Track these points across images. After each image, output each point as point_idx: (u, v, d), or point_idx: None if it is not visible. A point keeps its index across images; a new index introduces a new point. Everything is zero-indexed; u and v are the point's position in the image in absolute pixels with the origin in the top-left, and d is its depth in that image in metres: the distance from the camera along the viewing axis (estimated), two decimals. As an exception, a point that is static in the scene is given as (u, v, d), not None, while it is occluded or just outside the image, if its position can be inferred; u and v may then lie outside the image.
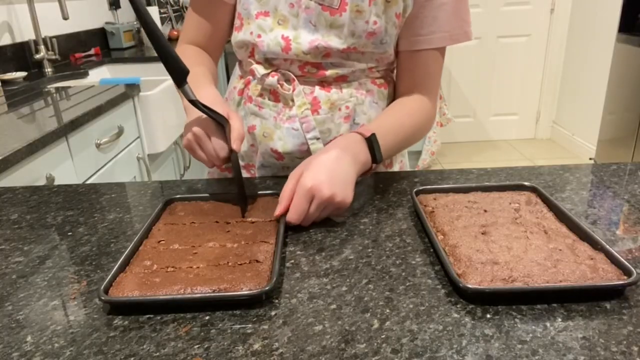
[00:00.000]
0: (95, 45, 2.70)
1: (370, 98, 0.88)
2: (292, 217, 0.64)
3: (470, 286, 0.49)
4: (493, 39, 3.61)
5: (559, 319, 0.46)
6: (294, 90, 0.84)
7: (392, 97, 0.93)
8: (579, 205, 0.70)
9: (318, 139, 0.85)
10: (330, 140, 0.85)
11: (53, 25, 2.32)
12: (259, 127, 0.87)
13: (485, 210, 0.65)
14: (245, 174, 0.95)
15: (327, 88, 0.85)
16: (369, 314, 0.48)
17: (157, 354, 0.44)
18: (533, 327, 0.46)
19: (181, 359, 0.43)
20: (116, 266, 0.54)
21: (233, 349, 0.44)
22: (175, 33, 3.26)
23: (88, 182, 1.46)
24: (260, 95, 0.87)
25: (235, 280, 0.52)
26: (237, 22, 0.87)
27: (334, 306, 0.50)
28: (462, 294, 0.50)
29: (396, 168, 0.98)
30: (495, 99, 3.84)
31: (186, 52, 0.90)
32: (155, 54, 0.76)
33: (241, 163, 0.95)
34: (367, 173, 0.77)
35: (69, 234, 0.67)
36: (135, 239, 0.60)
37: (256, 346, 0.45)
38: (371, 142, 0.74)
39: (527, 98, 3.86)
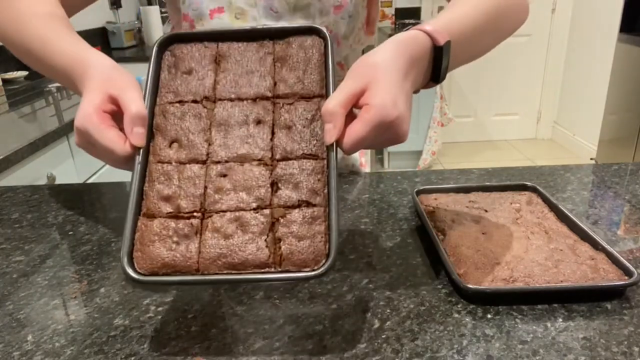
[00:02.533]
0: (96, 45, 2.70)
1: None
2: (350, 145, 0.44)
3: (470, 286, 0.49)
4: (494, 39, 3.61)
5: (560, 319, 0.46)
6: None
7: None
8: (580, 205, 0.70)
9: None
10: None
11: (54, 25, 2.32)
12: None
13: (486, 210, 0.65)
14: None
15: None
16: (369, 314, 0.48)
17: (158, 353, 0.44)
18: (534, 327, 0.46)
19: (182, 358, 0.43)
20: (129, 216, 0.44)
21: (234, 349, 0.44)
22: (176, 32, 3.26)
23: (89, 181, 1.46)
24: None
25: (286, 247, 0.42)
26: (184, 25, 0.79)
27: (334, 306, 0.50)
28: (462, 295, 0.50)
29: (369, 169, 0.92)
30: (496, 99, 3.84)
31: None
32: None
33: None
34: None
35: (70, 233, 0.68)
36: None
37: (257, 345, 0.45)
38: (441, 53, 0.51)
39: (528, 98, 3.86)
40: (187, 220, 0.44)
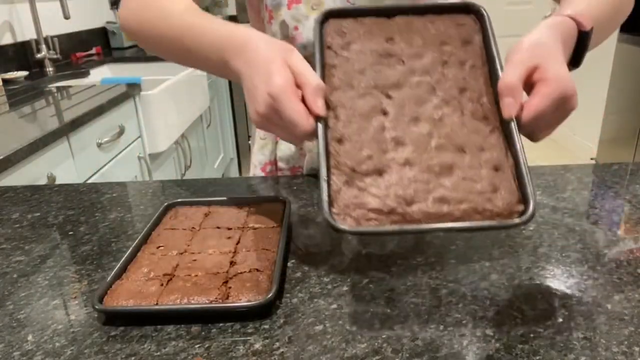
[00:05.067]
0: (96, 45, 2.70)
1: None
2: (530, 119, 0.48)
3: (342, 227, 0.42)
4: (494, 39, 3.61)
5: (560, 319, 0.46)
6: None
7: None
8: (580, 205, 0.70)
9: None
10: None
11: (54, 25, 2.32)
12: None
13: (403, 61, 0.50)
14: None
15: None
16: (369, 314, 0.48)
17: (158, 353, 0.44)
18: (534, 327, 0.46)
19: (182, 358, 0.44)
20: (112, 273, 0.53)
21: (234, 348, 0.44)
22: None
23: (89, 181, 1.47)
24: None
25: (234, 290, 0.51)
26: (265, 16, 0.81)
27: (334, 306, 0.50)
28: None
29: None
30: (496, 99, 3.84)
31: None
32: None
33: (285, 166, 0.88)
34: None
35: (70, 233, 0.68)
36: (133, 245, 0.59)
37: (257, 345, 0.45)
38: (584, 40, 0.54)
39: (528, 98, 3.86)
40: (155, 280, 0.53)
